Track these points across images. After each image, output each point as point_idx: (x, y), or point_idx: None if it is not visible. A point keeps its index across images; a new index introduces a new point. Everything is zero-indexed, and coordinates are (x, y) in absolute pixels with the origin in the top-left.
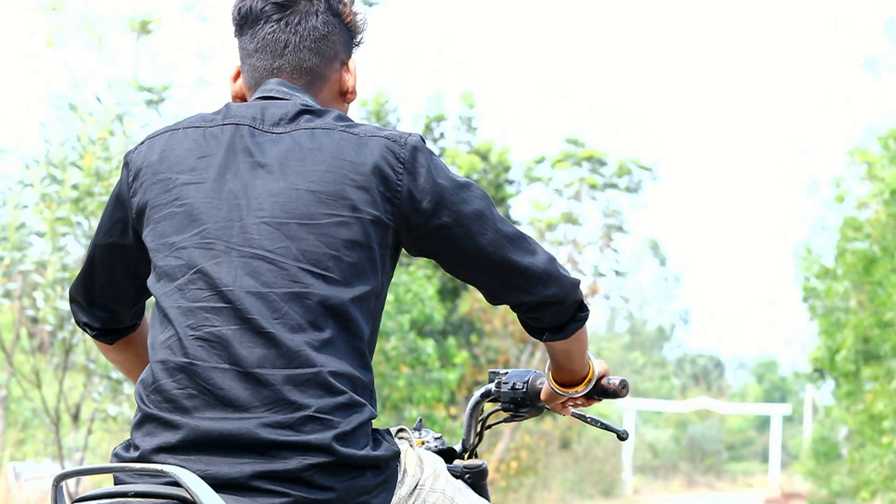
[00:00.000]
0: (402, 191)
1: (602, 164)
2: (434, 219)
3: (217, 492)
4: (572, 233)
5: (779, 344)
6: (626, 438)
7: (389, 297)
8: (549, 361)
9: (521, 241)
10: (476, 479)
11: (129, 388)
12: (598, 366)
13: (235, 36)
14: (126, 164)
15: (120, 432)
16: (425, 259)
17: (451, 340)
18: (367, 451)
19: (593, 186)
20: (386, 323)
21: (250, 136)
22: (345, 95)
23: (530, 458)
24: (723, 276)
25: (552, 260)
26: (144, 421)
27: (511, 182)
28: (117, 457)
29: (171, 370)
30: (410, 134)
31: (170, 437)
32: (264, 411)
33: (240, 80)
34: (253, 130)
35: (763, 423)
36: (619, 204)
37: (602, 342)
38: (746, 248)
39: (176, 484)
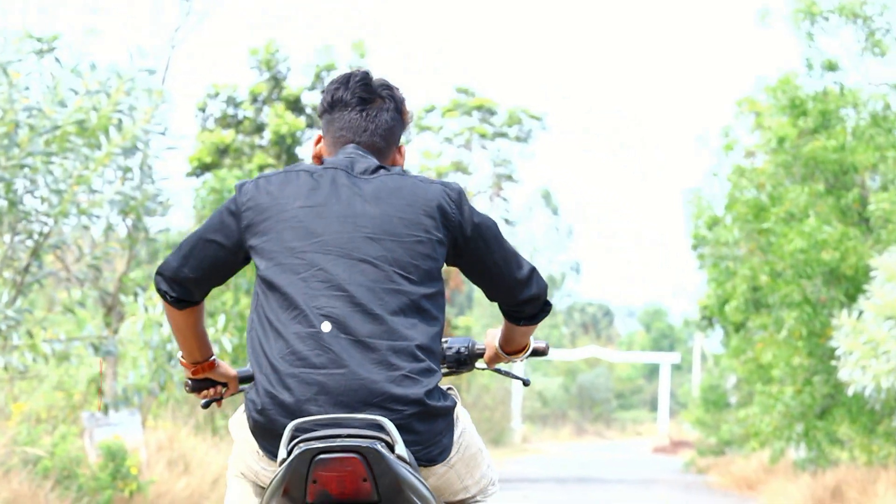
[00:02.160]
0: (455, 221)
1: (492, 113)
2: (472, 242)
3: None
4: (462, 181)
5: (667, 292)
6: (528, 384)
7: None
8: (500, 334)
9: (515, 257)
10: None
11: (17, 340)
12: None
13: (324, 113)
14: (239, 189)
15: (9, 381)
16: None
17: None
18: (441, 402)
19: (483, 136)
20: None
21: (346, 177)
22: (399, 161)
23: None
24: (613, 226)
25: (533, 269)
26: (281, 377)
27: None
28: (252, 402)
29: (303, 338)
30: (455, 183)
31: (305, 390)
32: (373, 369)
33: (321, 144)
34: (348, 174)
35: (652, 372)
36: (510, 153)
37: None
38: (637, 197)
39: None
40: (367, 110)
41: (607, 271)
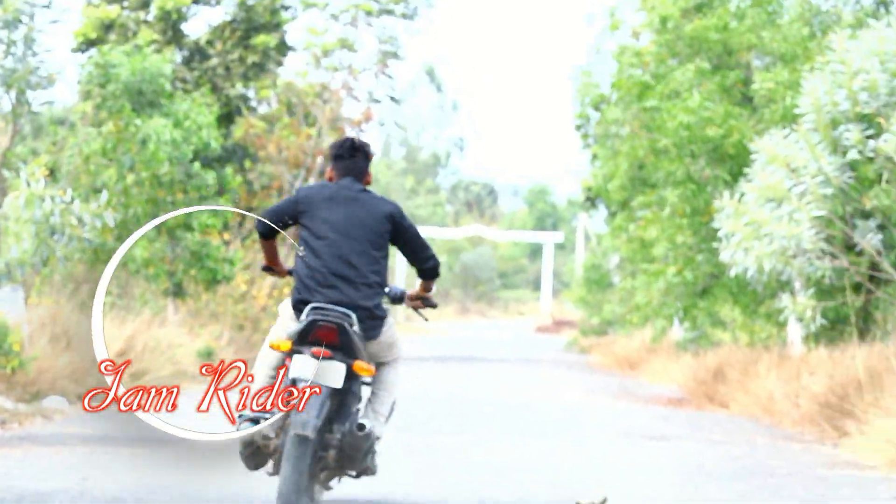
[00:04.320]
0: (397, 221)
1: None
2: (404, 232)
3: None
4: (347, 59)
5: (552, 172)
6: (427, 321)
7: (172, 127)
8: (416, 287)
9: (425, 245)
10: None
11: None
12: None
13: (332, 159)
14: (299, 192)
15: None
16: (207, 87)
17: (228, 169)
18: (379, 312)
19: (369, 13)
20: (162, 150)
21: (346, 192)
22: (367, 185)
23: None
24: (498, 104)
25: (433, 254)
26: (308, 288)
27: (287, 8)
28: (294, 295)
29: (320, 270)
30: (397, 204)
31: (318, 297)
32: (352, 293)
33: (331, 172)
34: (346, 191)
35: (535, 251)
36: (395, 30)
37: (377, 168)
38: (522, 76)
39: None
40: (353, 160)
41: (492, 149)
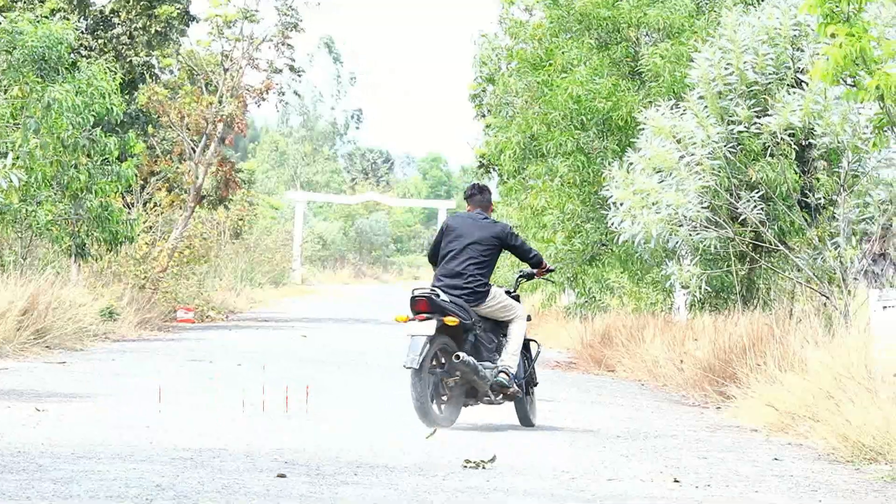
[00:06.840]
0: (504, 238)
1: None
2: (511, 245)
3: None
4: (249, 29)
5: (446, 141)
6: (554, 282)
7: (73, 94)
8: (539, 268)
9: (527, 247)
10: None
11: None
12: (549, 263)
13: (467, 198)
14: (444, 222)
15: None
16: (114, 54)
17: (131, 134)
18: (481, 289)
19: None
20: (65, 116)
21: (471, 219)
22: (490, 213)
23: (203, 247)
24: (395, 74)
25: (535, 253)
26: (438, 278)
27: None
28: (432, 286)
29: (445, 268)
30: (508, 226)
31: (440, 283)
32: (459, 281)
33: (469, 207)
34: (471, 219)
35: (430, 217)
36: (296, 1)
37: (276, 136)
38: (420, 46)
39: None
40: (481, 195)
41: (389, 119)
